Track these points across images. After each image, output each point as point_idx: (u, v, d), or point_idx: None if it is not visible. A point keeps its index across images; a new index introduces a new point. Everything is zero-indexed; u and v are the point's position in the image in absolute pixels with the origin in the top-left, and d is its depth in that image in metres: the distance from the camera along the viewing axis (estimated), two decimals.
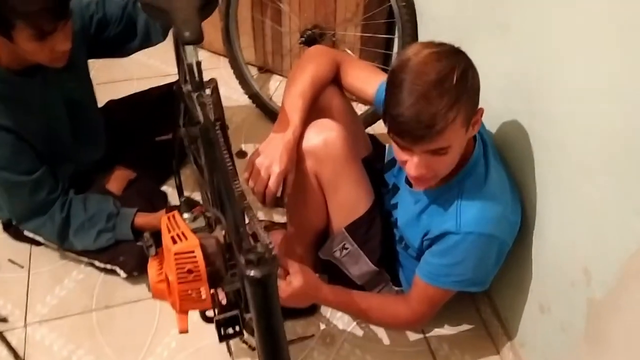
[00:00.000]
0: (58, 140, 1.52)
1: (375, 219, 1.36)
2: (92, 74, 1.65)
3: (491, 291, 1.49)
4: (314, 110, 1.33)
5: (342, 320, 1.53)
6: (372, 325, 1.50)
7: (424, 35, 1.76)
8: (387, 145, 1.53)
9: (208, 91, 1.24)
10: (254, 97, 2.11)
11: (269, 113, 2.10)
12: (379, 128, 1.98)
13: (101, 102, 1.78)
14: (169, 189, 1.86)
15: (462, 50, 1.07)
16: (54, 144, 1.50)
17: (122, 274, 1.58)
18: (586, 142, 1.04)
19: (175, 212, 1.15)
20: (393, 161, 1.40)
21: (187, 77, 1.27)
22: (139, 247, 1.55)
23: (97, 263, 1.60)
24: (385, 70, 2.01)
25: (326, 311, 1.55)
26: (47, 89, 1.44)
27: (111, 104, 1.85)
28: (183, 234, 1.09)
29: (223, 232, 1.14)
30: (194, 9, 1.13)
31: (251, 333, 1.09)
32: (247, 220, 1.02)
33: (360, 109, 1.94)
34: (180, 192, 1.72)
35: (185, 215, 1.14)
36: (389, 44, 2.00)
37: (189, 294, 1.06)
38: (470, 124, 1.09)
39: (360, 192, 1.35)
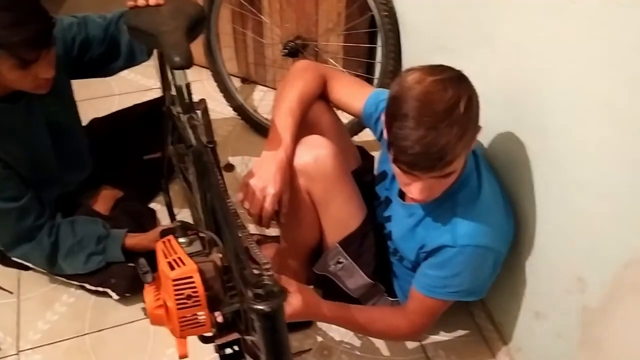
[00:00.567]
0: (42, 165, 1.50)
1: (368, 232, 1.36)
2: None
3: (485, 297, 1.50)
4: (303, 126, 1.33)
5: (338, 332, 1.53)
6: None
7: (407, 45, 1.77)
8: (375, 157, 1.54)
9: (199, 113, 1.23)
10: (239, 109, 2.10)
11: (255, 125, 2.09)
12: (365, 135, 1.99)
13: (84, 120, 1.75)
14: (157, 206, 1.84)
15: (463, 74, 1.06)
16: (38, 169, 1.48)
17: (114, 296, 1.56)
18: (578, 155, 1.06)
19: (171, 237, 1.14)
20: (384, 174, 1.41)
21: (176, 99, 1.26)
22: (130, 268, 1.54)
23: (87, 286, 1.58)
24: (369, 80, 2.04)
25: (322, 323, 1.55)
26: (31, 114, 1.41)
27: (95, 122, 1.82)
28: (180, 259, 1.08)
29: (219, 254, 1.14)
30: (182, 32, 1.12)
31: (251, 355, 1.09)
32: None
33: (345, 117, 1.94)
34: (170, 210, 1.71)
35: (181, 240, 1.13)
36: (371, 53, 2.00)
37: (189, 320, 1.06)
38: (470, 147, 1.10)
39: (353, 207, 1.35)
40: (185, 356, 1.10)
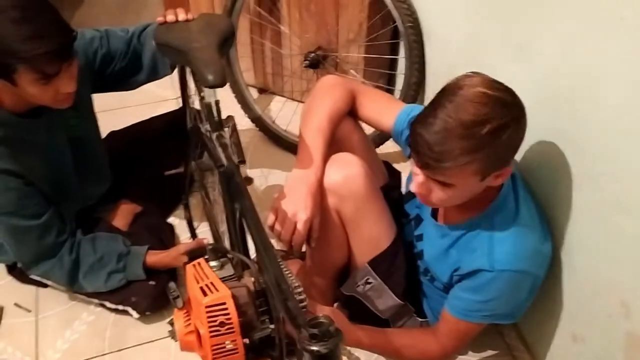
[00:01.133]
0: (63, 180, 1.47)
1: (398, 252, 1.33)
2: None
3: None
4: (331, 143, 1.30)
5: (364, 354, 1.50)
6: None
7: (431, 56, 1.74)
8: (402, 173, 1.51)
9: (227, 130, 1.20)
10: (257, 120, 2.07)
11: (273, 136, 2.06)
12: (385, 148, 1.96)
13: (101, 133, 1.73)
14: (175, 221, 1.81)
15: (521, 105, 1.03)
16: (59, 184, 1.45)
17: (135, 314, 1.53)
18: (621, 176, 1.02)
19: (202, 260, 1.10)
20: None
21: (204, 116, 1.23)
22: (151, 286, 1.51)
23: (108, 304, 1.55)
24: (389, 92, 2.01)
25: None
26: (52, 129, 1.39)
27: (112, 135, 1.80)
28: (213, 284, 1.05)
29: (252, 278, 1.10)
30: (214, 49, 1.09)
31: None
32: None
33: (367, 129, 1.92)
34: (191, 227, 1.68)
35: (213, 263, 1.10)
36: (393, 64, 1.97)
37: (222, 347, 1.02)
38: (491, 175, 1.06)
39: (383, 226, 1.32)
40: None
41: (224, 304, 1.01)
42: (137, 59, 1.49)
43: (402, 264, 1.33)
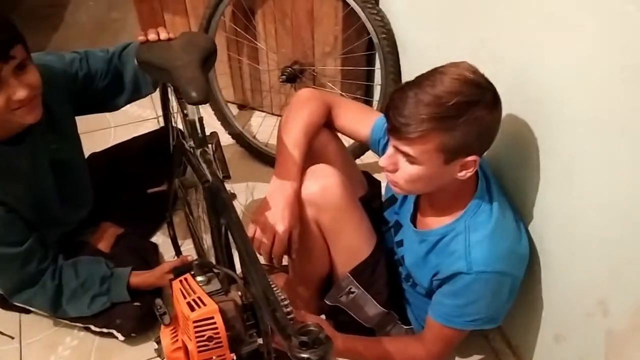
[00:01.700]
0: (45, 205, 1.45)
1: (379, 260, 1.34)
2: None
3: None
4: (309, 155, 1.32)
5: None
6: None
7: (406, 66, 1.77)
8: (382, 182, 1.52)
9: (211, 146, 1.21)
10: (237, 136, 2.08)
11: (254, 151, 2.07)
12: (366, 158, 1.98)
13: None
14: (160, 240, 1.81)
15: (494, 90, 1.06)
16: (41, 210, 1.43)
17: (120, 337, 1.52)
18: (597, 177, 1.05)
19: (188, 276, 1.10)
20: (393, 198, 1.39)
21: (188, 133, 1.24)
22: (135, 307, 1.50)
23: (92, 327, 1.53)
24: (368, 103, 2.03)
25: None
26: (35, 154, 1.37)
27: (93, 157, 1.78)
28: (200, 299, 1.05)
29: (239, 292, 1.10)
30: (196, 66, 1.09)
31: None
32: None
33: (347, 141, 1.93)
34: (175, 244, 1.67)
35: (199, 278, 1.10)
36: (369, 76, 2.00)
37: None
38: (456, 161, 1.08)
39: (362, 236, 1.33)
40: None
41: (211, 318, 1.01)
42: (119, 78, 1.48)
43: (383, 272, 1.35)
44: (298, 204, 1.26)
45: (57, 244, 1.53)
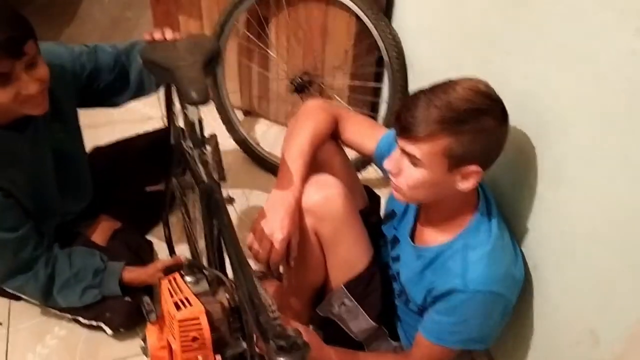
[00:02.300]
0: (44, 194, 1.46)
1: (374, 274, 1.34)
2: None
3: None
4: (313, 165, 1.32)
5: None
6: None
7: (414, 85, 1.78)
8: (382, 198, 1.53)
9: (209, 148, 1.21)
10: (241, 142, 2.09)
11: (257, 158, 2.08)
12: (367, 173, 1.99)
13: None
14: (155, 239, 1.81)
15: (505, 107, 1.08)
16: (39, 198, 1.44)
17: (108, 330, 1.52)
18: (593, 208, 1.05)
19: (177, 275, 1.11)
20: (392, 213, 1.39)
21: (187, 134, 1.25)
22: (126, 303, 1.50)
23: (81, 319, 1.53)
24: (372, 118, 2.04)
25: None
26: (37, 141, 1.38)
27: (96, 151, 1.80)
28: (187, 299, 1.05)
29: (227, 295, 1.11)
30: (198, 67, 1.10)
31: None
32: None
33: (349, 155, 1.94)
34: (170, 244, 1.68)
35: (188, 279, 1.10)
36: (376, 92, 2.01)
37: None
38: (460, 169, 1.09)
39: (360, 249, 1.33)
40: None
41: (197, 319, 1.01)
42: (125, 75, 1.50)
43: (377, 286, 1.34)
44: (298, 215, 1.27)
45: (54, 233, 1.54)
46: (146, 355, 1.15)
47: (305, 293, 1.41)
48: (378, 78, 1.98)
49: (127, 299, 1.50)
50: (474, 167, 1.08)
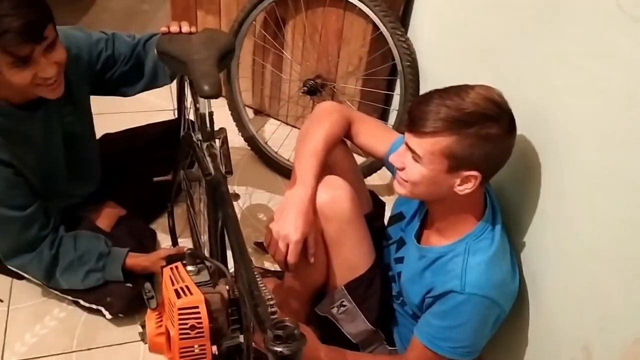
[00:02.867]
0: (53, 175, 1.48)
1: (375, 278, 1.35)
2: None
3: (484, 354, 1.48)
4: (323, 167, 1.34)
5: None
6: None
7: None
8: (387, 204, 1.55)
9: (218, 142, 1.23)
10: (250, 140, 2.11)
11: (264, 157, 2.10)
12: (372, 180, 2.00)
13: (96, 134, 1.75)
14: (158, 229, 1.83)
15: (514, 119, 1.11)
16: (48, 179, 1.47)
17: (108, 315, 1.53)
18: (595, 224, 1.06)
19: (179, 264, 1.12)
20: (400, 215, 1.41)
21: (197, 126, 1.27)
22: (127, 288, 1.52)
23: (82, 302, 1.55)
24: None
25: None
26: (48, 123, 1.41)
27: (107, 137, 1.82)
28: (187, 287, 1.07)
29: (226, 286, 1.12)
30: (212, 62, 1.12)
31: None
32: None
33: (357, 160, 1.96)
34: (173, 234, 1.70)
35: (190, 268, 1.12)
36: (387, 100, 2.03)
37: (190, 351, 1.04)
38: (460, 172, 1.10)
39: (363, 251, 1.35)
40: None
41: (196, 307, 1.03)
42: (140, 65, 1.52)
43: (377, 290, 1.36)
44: (313, 213, 1.28)
45: (60, 215, 1.56)
46: (144, 341, 1.16)
47: (305, 291, 1.43)
48: (390, 86, 1.99)
49: (129, 285, 1.52)
50: (473, 172, 1.10)
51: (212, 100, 2.25)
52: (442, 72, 1.70)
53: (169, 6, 2.30)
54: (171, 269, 1.13)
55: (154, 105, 2.29)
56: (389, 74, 1.94)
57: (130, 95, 1.60)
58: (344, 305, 1.35)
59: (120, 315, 1.54)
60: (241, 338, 1.10)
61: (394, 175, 1.40)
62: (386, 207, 1.57)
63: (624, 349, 1.02)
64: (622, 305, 1.02)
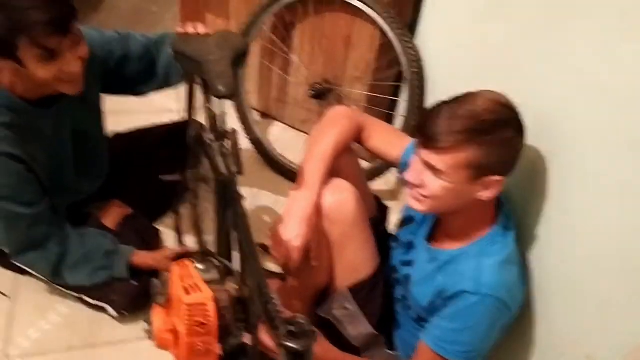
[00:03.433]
0: (61, 171, 1.49)
1: (378, 282, 1.36)
2: None
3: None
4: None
5: None
6: None
7: (432, 103, 1.81)
8: (390, 209, 1.56)
9: (229, 141, 1.24)
10: (256, 142, 2.12)
11: (269, 160, 2.11)
12: (376, 185, 2.01)
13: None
14: (163, 228, 1.83)
15: (521, 116, 1.12)
16: (56, 175, 1.47)
17: (112, 312, 1.54)
18: (599, 235, 1.07)
19: (189, 261, 1.14)
20: (410, 219, 1.41)
21: (209, 126, 1.27)
22: (132, 286, 1.53)
23: (86, 299, 1.56)
24: None
25: None
26: (60, 120, 1.42)
27: (116, 136, 1.83)
28: (196, 285, 1.08)
29: (234, 285, 1.13)
30: (227, 62, 1.13)
31: None
32: None
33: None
34: (178, 234, 1.70)
35: (199, 266, 1.13)
36: (393, 105, 2.04)
37: (197, 347, 1.05)
38: (481, 180, 1.11)
39: (367, 255, 1.36)
40: None
41: (205, 304, 1.04)
42: (152, 65, 1.53)
43: (380, 294, 1.37)
44: (316, 217, 1.28)
45: (66, 212, 1.56)
46: (149, 338, 1.17)
47: (308, 293, 1.43)
48: (396, 92, 2.01)
49: (134, 282, 1.52)
50: (496, 178, 1.11)
51: (219, 102, 2.26)
52: (449, 79, 1.71)
53: (177, 8, 2.32)
54: (180, 266, 1.14)
55: (160, 106, 2.30)
56: (395, 80, 1.95)
57: (142, 95, 1.62)
58: (346, 308, 1.36)
59: (125, 312, 1.55)
60: (246, 337, 1.11)
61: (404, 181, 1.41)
62: (390, 212, 1.58)
63: (627, 357, 1.03)
64: (624, 313, 1.03)
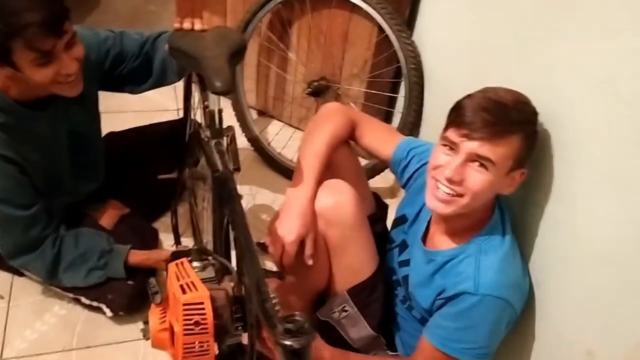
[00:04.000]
0: (57, 173, 1.48)
1: (378, 283, 1.35)
2: None
3: None
4: (326, 168, 1.34)
5: None
6: None
7: (430, 99, 1.80)
8: (390, 206, 1.54)
9: (226, 139, 1.23)
10: (253, 140, 2.11)
11: (267, 158, 2.10)
12: (375, 182, 2.00)
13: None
14: (161, 228, 1.82)
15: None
16: (52, 177, 1.46)
17: (109, 312, 1.53)
18: (601, 230, 1.06)
19: (185, 260, 1.12)
20: (403, 217, 1.40)
21: (206, 123, 1.26)
22: (129, 285, 1.52)
23: (83, 299, 1.54)
24: None
25: None
26: (55, 122, 1.40)
27: (111, 136, 1.82)
28: (193, 283, 1.06)
29: (231, 283, 1.12)
30: (224, 59, 1.12)
31: None
32: None
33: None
34: (176, 233, 1.69)
35: (195, 264, 1.12)
36: (391, 102, 2.03)
37: (193, 347, 1.03)
38: (512, 174, 1.11)
39: (366, 256, 1.34)
40: None
41: (201, 303, 1.02)
42: (148, 63, 1.52)
43: (380, 296, 1.35)
44: (312, 215, 1.28)
45: (62, 213, 1.55)
46: (145, 337, 1.15)
47: (307, 295, 1.42)
48: (394, 89, 1.99)
49: (130, 282, 1.51)
50: (522, 170, 1.12)
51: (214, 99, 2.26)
52: (447, 75, 1.70)
53: (174, 7, 2.30)
54: (177, 264, 1.12)
55: (157, 105, 2.29)
56: (393, 76, 1.94)
57: (138, 93, 1.60)
58: (346, 311, 1.34)
59: (121, 313, 1.54)
60: (243, 336, 1.09)
61: (397, 176, 1.40)
62: (389, 210, 1.57)
63: (628, 354, 1.02)
64: (626, 310, 1.02)
